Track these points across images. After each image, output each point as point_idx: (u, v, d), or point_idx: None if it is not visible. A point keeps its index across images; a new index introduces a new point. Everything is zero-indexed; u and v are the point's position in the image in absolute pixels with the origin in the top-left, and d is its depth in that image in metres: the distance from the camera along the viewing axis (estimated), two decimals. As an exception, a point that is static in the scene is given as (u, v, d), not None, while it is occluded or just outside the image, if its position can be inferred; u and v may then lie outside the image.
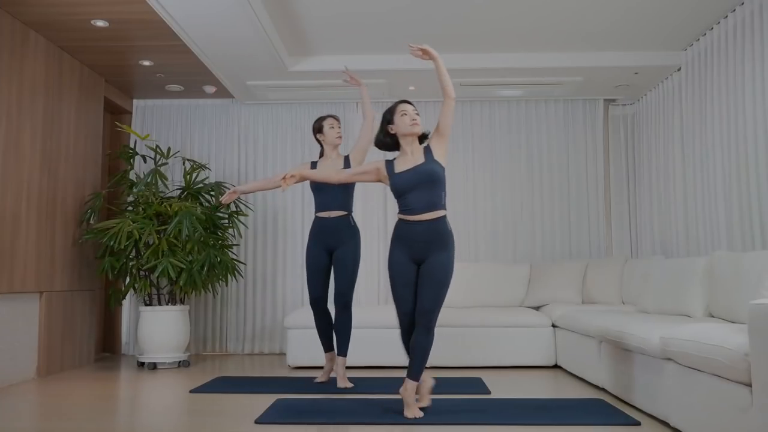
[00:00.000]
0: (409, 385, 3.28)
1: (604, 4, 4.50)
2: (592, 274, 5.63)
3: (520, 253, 6.19)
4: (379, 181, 3.43)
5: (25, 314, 4.59)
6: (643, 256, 6.00)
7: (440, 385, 4.20)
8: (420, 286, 3.29)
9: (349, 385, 4.18)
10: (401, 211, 3.33)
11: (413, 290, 3.32)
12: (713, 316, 3.79)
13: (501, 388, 4.18)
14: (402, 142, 3.38)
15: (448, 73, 3.43)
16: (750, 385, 2.32)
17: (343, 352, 4.21)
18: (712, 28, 4.79)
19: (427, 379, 3.50)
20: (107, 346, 6.20)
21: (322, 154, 4.45)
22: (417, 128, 3.34)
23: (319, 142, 4.43)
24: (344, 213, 4.23)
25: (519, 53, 5.41)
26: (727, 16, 4.55)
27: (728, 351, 2.41)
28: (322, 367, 5.17)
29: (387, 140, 3.41)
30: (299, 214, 6.29)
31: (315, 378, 4.47)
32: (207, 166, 6.21)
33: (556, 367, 5.19)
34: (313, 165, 4.36)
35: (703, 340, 2.62)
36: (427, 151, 3.37)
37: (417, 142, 3.40)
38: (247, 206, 5.98)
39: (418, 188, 3.27)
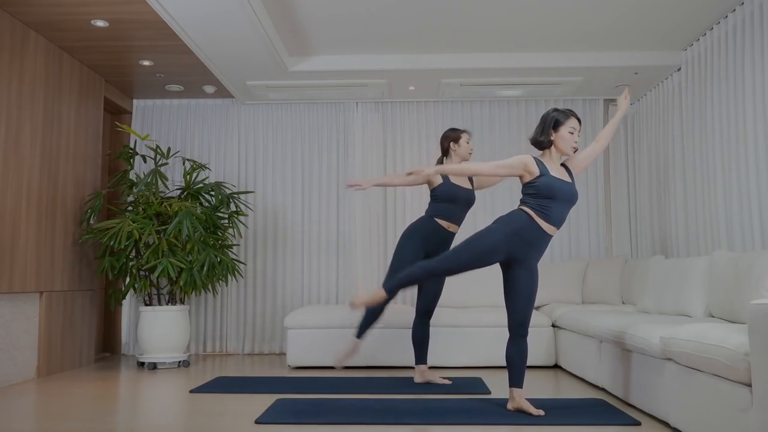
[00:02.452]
0: (516, 393, 3.32)
1: (603, 4, 4.50)
2: (592, 274, 5.64)
3: (520, 253, 6.18)
4: (516, 175, 3.33)
5: (25, 314, 4.59)
6: (643, 256, 6.00)
7: (440, 385, 4.21)
8: (515, 296, 3.31)
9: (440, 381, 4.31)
10: (537, 212, 3.24)
11: (473, 267, 3.31)
12: (713, 316, 3.79)
13: (501, 388, 4.18)
14: (553, 151, 3.35)
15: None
16: (750, 385, 2.32)
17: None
18: (712, 28, 4.79)
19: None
20: (107, 346, 6.20)
21: (440, 162, 4.34)
22: (572, 152, 3.34)
23: (446, 150, 4.29)
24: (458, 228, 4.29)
25: (519, 53, 5.41)
26: (727, 16, 4.55)
27: (728, 351, 2.41)
28: (321, 368, 5.17)
29: (545, 142, 3.34)
30: (299, 214, 6.29)
31: (441, 379, 4.32)
32: (207, 166, 6.21)
33: (556, 367, 5.19)
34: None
35: (703, 340, 2.62)
36: (570, 172, 3.39)
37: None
38: (247, 206, 5.97)
39: (564, 203, 3.27)
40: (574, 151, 3.34)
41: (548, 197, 3.24)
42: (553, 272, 5.76)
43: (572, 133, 3.30)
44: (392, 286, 3.46)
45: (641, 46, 5.24)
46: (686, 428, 2.81)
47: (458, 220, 4.23)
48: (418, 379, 4.33)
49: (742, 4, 4.32)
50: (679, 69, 5.36)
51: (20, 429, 3.10)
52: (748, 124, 4.21)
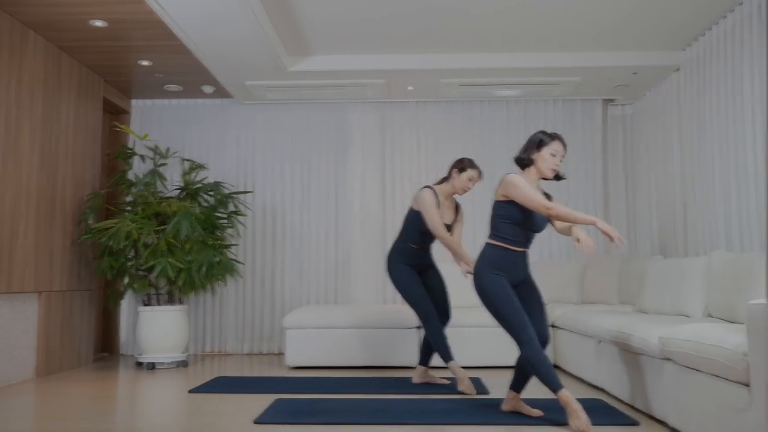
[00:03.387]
0: (564, 394, 3.11)
1: (603, 4, 4.50)
2: (591, 274, 5.64)
3: (518, 253, 6.19)
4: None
5: (24, 314, 4.59)
6: (641, 256, 6.00)
7: (439, 385, 4.21)
8: (532, 310, 3.34)
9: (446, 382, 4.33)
10: (506, 241, 3.27)
11: (521, 310, 3.27)
12: (712, 316, 3.79)
13: (501, 388, 4.18)
14: (533, 171, 3.33)
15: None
16: (748, 385, 2.33)
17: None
18: (711, 28, 4.79)
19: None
20: (106, 346, 6.19)
21: (439, 183, 4.30)
22: (552, 174, 3.32)
23: (449, 172, 4.24)
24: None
25: (518, 53, 5.41)
26: (726, 17, 4.55)
27: (727, 351, 2.42)
28: (320, 368, 5.17)
29: (526, 160, 3.34)
30: (297, 214, 6.29)
31: (462, 390, 4.07)
32: (205, 166, 6.21)
33: (555, 367, 5.19)
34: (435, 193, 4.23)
35: (702, 340, 2.62)
36: (547, 198, 3.40)
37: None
38: (245, 206, 5.97)
39: (533, 231, 3.30)
40: (553, 174, 3.33)
41: (519, 224, 3.26)
42: (551, 272, 5.76)
43: (554, 156, 3.30)
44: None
45: (640, 46, 5.25)
46: (685, 428, 2.81)
47: (429, 244, 4.33)
48: (416, 379, 4.33)
49: (741, 4, 4.33)
50: (678, 69, 5.37)
51: (19, 429, 3.10)
52: (747, 124, 4.22)
